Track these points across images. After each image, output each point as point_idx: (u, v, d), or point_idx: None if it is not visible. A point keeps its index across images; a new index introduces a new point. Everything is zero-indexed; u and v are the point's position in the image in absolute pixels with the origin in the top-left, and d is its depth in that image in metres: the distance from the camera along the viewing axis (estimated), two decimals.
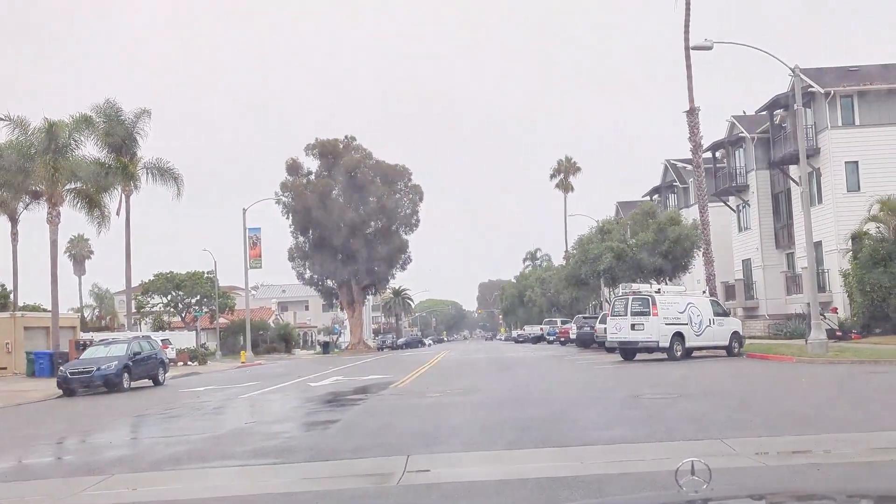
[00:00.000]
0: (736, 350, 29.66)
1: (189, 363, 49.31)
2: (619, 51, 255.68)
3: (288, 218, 75.23)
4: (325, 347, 76.01)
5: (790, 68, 26.60)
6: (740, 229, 51.73)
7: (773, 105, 43.80)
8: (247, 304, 56.20)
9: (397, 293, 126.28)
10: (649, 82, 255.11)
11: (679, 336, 28.29)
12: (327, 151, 76.87)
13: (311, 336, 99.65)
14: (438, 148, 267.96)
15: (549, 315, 79.09)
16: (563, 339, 55.33)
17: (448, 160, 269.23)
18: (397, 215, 77.04)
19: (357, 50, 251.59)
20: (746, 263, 50.91)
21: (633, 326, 28.45)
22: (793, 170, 43.74)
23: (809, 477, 7.57)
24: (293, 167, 77.26)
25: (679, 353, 28.09)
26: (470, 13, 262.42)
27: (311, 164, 77.62)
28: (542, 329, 71.73)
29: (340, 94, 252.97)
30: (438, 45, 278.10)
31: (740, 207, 51.43)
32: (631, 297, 29.10)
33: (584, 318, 48.63)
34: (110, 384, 26.12)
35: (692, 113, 40.70)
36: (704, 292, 35.17)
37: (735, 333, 30.18)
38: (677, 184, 62.44)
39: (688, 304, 29.08)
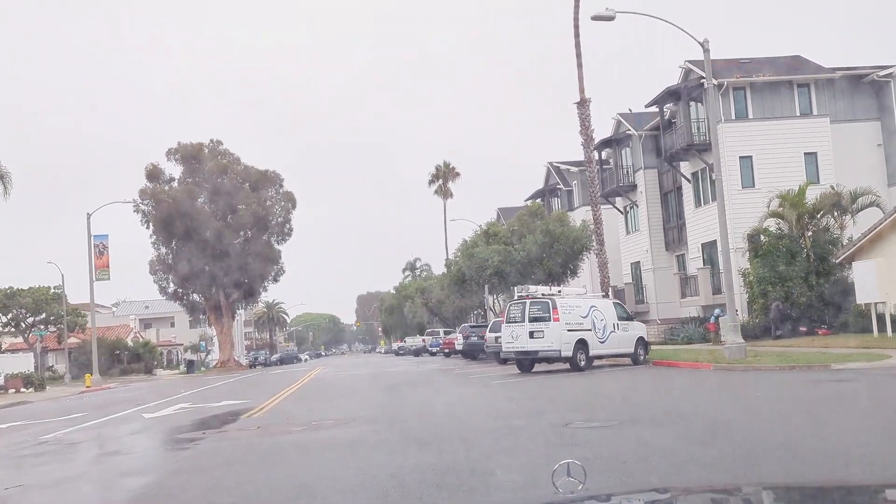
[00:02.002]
0: (642, 358, 26.77)
1: (23, 390, 43.07)
2: (497, 57, 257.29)
3: (148, 227, 69.37)
4: (190, 366, 70.03)
5: (699, 42, 23.97)
6: (629, 231, 49.73)
7: (663, 99, 41.74)
8: (93, 320, 50.01)
9: (270, 307, 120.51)
10: (529, 88, 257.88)
11: (582, 343, 25.04)
12: (191, 156, 71.40)
13: (178, 354, 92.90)
14: (312, 155, 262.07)
15: (430, 326, 75.65)
16: (447, 351, 51.90)
17: (322, 167, 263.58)
18: (269, 224, 72.26)
19: (219, 53, 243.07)
20: (636, 266, 48.94)
21: (531, 334, 25.00)
22: (683, 166, 41.87)
23: None
24: (153, 173, 71.25)
25: (583, 363, 24.88)
26: (339, 13, 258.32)
27: (174, 170, 72.03)
28: (424, 340, 68.29)
29: (203, 98, 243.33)
30: (308, 51, 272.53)
31: (628, 209, 49.43)
32: (529, 302, 25.56)
33: (472, 327, 45.25)
34: None
35: (583, 104, 38.13)
36: (605, 294, 32.33)
37: (640, 339, 27.26)
38: (561, 187, 60.31)
39: (591, 308, 25.91)
